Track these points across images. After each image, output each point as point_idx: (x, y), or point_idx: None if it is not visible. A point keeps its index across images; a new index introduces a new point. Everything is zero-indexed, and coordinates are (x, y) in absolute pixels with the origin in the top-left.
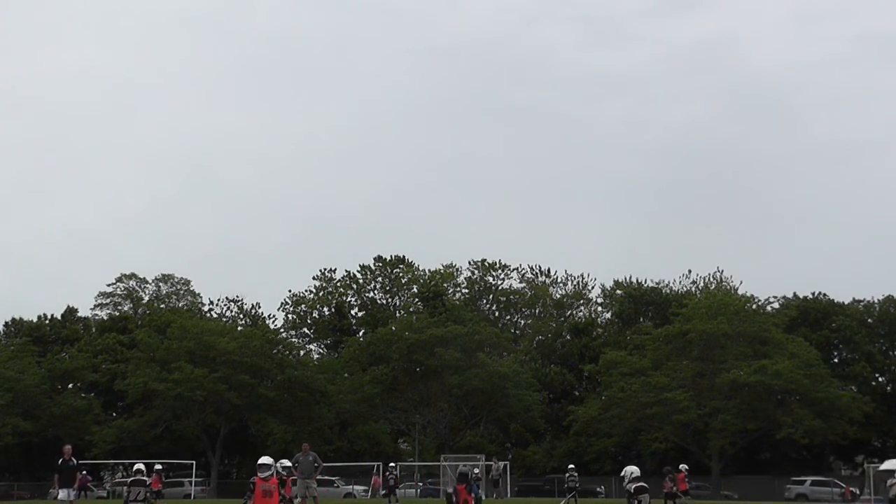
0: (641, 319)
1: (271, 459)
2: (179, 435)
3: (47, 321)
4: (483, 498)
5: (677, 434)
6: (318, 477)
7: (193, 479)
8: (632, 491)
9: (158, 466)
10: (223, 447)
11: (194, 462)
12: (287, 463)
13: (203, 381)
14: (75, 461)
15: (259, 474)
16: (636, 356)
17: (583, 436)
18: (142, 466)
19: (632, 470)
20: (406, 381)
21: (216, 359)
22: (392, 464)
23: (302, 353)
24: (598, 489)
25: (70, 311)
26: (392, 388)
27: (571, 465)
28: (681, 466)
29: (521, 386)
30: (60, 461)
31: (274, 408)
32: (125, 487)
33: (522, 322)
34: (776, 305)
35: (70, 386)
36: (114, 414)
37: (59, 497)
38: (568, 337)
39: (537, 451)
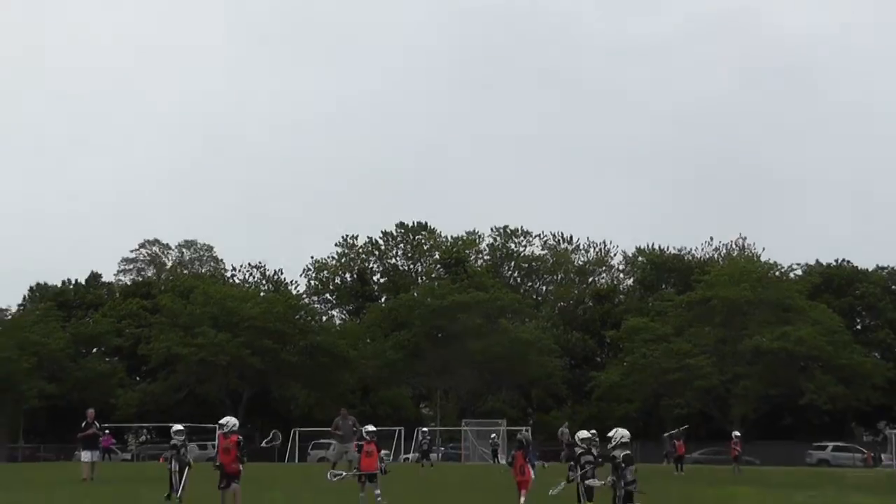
0: (663, 286)
1: (233, 419)
2: (203, 399)
3: (72, 286)
4: (535, 465)
5: (699, 400)
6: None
7: (216, 443)
8: (619, 459)
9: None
10: (246, 411)
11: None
12: (371, 428)
13: (226, 346)
14: (98, 424)
15: (219, 431)
16: (658, 322)
17: (604, 401)
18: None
19: (622, 433)
20: (428, 347)
21: (239, 324)
22: (425, 428)
23: (324, 318)
24: None
25: (94, 277)
26: (414, 353)
27: (593, 431)
28: (734, 434)
29: (542, 352)
30: (84, 424)
31: (296, 373)
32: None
33: (544, 288)
34: (799, 272)
35: (94, 350)
36: (137, 378)
37: (83, 459)
38: (590, 303)
39: (559, 416)
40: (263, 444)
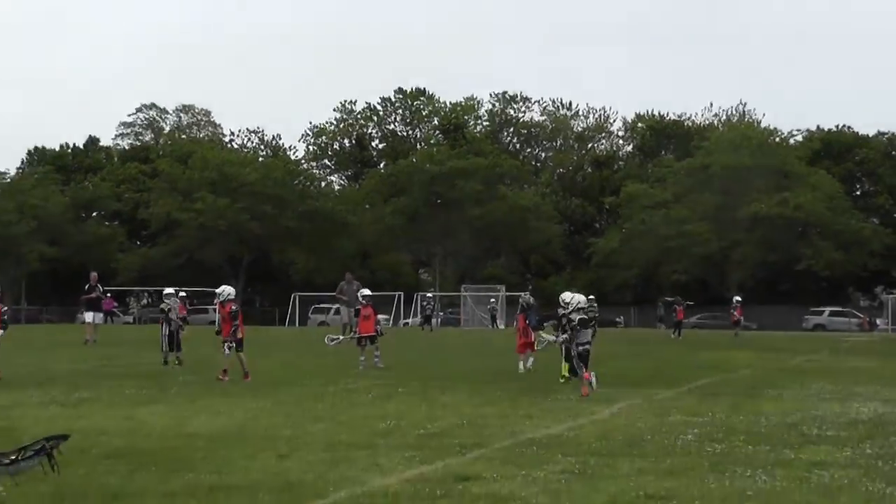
0: (663, 152)
1: (228, 288)
2: (203, 264)
3: (70, 150)
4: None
5: (697, 266)
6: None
7: (216, 306)
8: (575, 322)
9: (183, 294)
10: (246, 276)
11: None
12: (367, 292)
13: (225, 212)
14: (101, 287)
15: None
16: (657, 189)
17: (603, 267)
18: (170, 290)
19: (579, 299)
20: (427, 213)
21: (238, 189)
22: (429, 294)
23: (323, 184)
24: (617, 319)
25: (92, 141)
26: (413, 219)
27: (591, 296)
28: (735, 299)
29: (541, 218)
30: (87, 287)
31: (295, 238)
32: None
33: (543, 155)
34: (799, 138)
35: (94, 214)
36: (138, 242)
37: (86, 321)
38: (589, 170)
39: (558, 282)
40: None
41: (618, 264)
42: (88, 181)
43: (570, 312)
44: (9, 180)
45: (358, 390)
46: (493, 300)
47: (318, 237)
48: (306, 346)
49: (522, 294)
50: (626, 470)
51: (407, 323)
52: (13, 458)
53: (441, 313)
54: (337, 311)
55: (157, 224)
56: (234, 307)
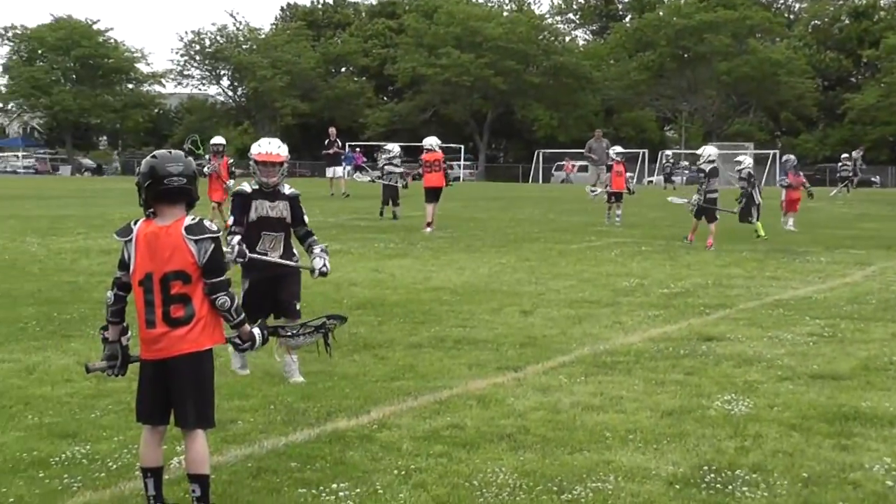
0: None
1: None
2: (448, 119)
3: (320, 5)
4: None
5: None
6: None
7: (462, 163)
8: (706, 172)
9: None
10: (490, 132)
11: (462, 146)
12: (619, 149)
13: (469, 67)
14: (340, 142)
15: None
16: None
17: (858, 124)
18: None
19: (710, 151)
20: (673, 68)
21: (482, 44)
22: (669, 152)
23: (567, 39)
24: (874, 179)
25: None
26: (658, 74)
27: (845, 154)
28: None
29: (793, 73)
30: (327, 142)
31: (539, 94)
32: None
33: (797, 6)
34: None
35: (343, 70)
36: (384, 98)
37: (328, 175)
38: (846, 21)
39: (809, 139)
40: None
41: (875, 120)
42: (338, 37)
43: (701, 164)
44: (263, 37)
45: (602, 248)
46: (739, 159)
47: (561, 93)
48: (549, 203)
49: (788, 155)
50: (878, 335)
51: (651, 181)
52: (294, 331)
53: (686, 171)
54: (582, 169)
55: (403, 79)
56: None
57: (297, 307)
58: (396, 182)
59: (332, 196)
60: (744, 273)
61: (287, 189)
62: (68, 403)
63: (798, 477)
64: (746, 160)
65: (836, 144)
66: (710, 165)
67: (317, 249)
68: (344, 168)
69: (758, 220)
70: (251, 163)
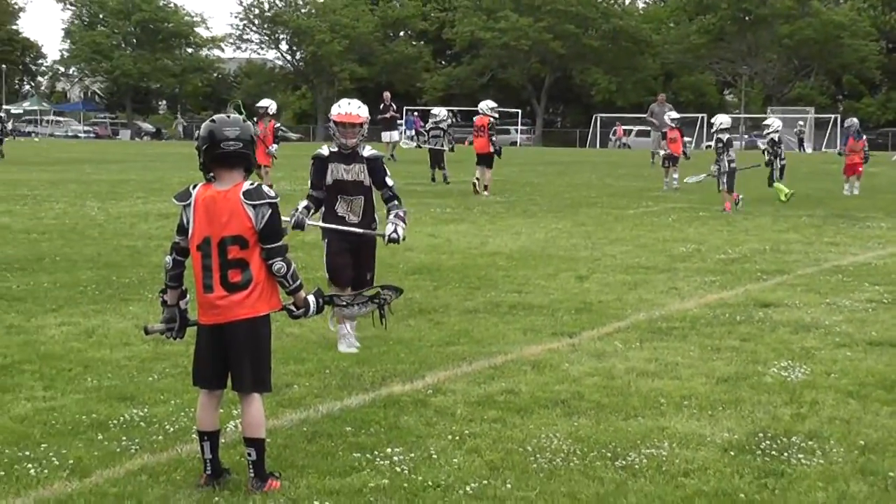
0: None
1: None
2: (505, 84)
3: None
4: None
5: None
6: None
7: (519, 128)
8: (724, 141)
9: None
10: (548, 96)
11: (520, 111)
12: (675, 115)
13: (527, 31)
14: (395, 106)
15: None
16: None
17: None
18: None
19: (722, 119)
20: (733, 31)
21: (540, 8)
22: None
23: (627, 1)
24: None
25: None
26: (719, 38)
27: None
28: None
29: (857, 35)
30: (382, 107)
31: (598, 58)
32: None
33: None
34: None
35: (401, 34)
36: (442, 63)
37: (384, 140)
38: None
39: (871, 103)
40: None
41: None
42: (396, 1)
43: (715, 131)
44: (322, 1)
45: (658, 213)
46: (801, 123)
47: (620, 57)
48: (606, 168)
49: (853, 119)
50: None
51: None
52: (348, 301)
53: (746, 136)
54: (642, 134)
55: (461, 43)
56: (490, 120)
57: (369, 277)
58: (442, 146)
59: (391, 159)
60: (802, 239)
61: (366, 151)
62: (126, 366)
63: (854, 444)
64: (774, 123)
65: None
66: (726, 135)
67: (391, 215)
68: (400, 132)
69: (780, 181)
70: (331, 124)
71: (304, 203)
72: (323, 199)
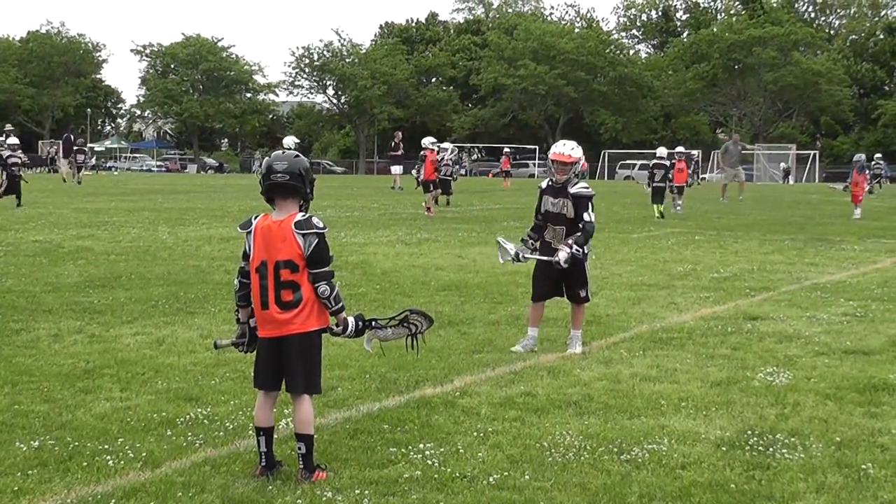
0: None
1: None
2: (524, 124)
3: (414, 24)
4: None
5: None
6: None
7: (536, 162)
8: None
9: (507, 150)
10: (561, 134)
11: (537, 147)
12: (681, 149)
13: (544, 77)
14: (402, 146)
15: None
16: None
17: (890, 127)
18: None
19: (661, 153)
20: (725, 78)
21: (556, 57)
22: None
23: (631, 52)
24: None
25: (432, 16)
26: (712, 84)
27: (878, 154)
28: None
29: (832, 82)
30: (392, 144)
31: (605, 101)
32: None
33: (837, 22)
34: None
35: (433, 80)
36: (469, 105)
37: (392, 173)
38: (881, 36)
39: (846, 141)
40: None
41: None
42: (429, 51)
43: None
44: (364, 51)
45: (659, 237)
46: (783, 164)
47: (625, 100)
48: (613, 198)
49: (858, 154)
50: None
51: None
52: (382, 324)
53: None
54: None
55: (486, 89)
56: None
57: (583, 294)
58: (449, 175)
59: (397, 189)
60: (785, 260)
61: (575, 188)
62: (192, 371)
63: (832, 441)
64: (661, 150)
65: (870, 146)
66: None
67: (564, 243)
68: (407, 167)
69: (661, 203)
70: (548, 161)
71: (527, 232)
72: (541, 225)
